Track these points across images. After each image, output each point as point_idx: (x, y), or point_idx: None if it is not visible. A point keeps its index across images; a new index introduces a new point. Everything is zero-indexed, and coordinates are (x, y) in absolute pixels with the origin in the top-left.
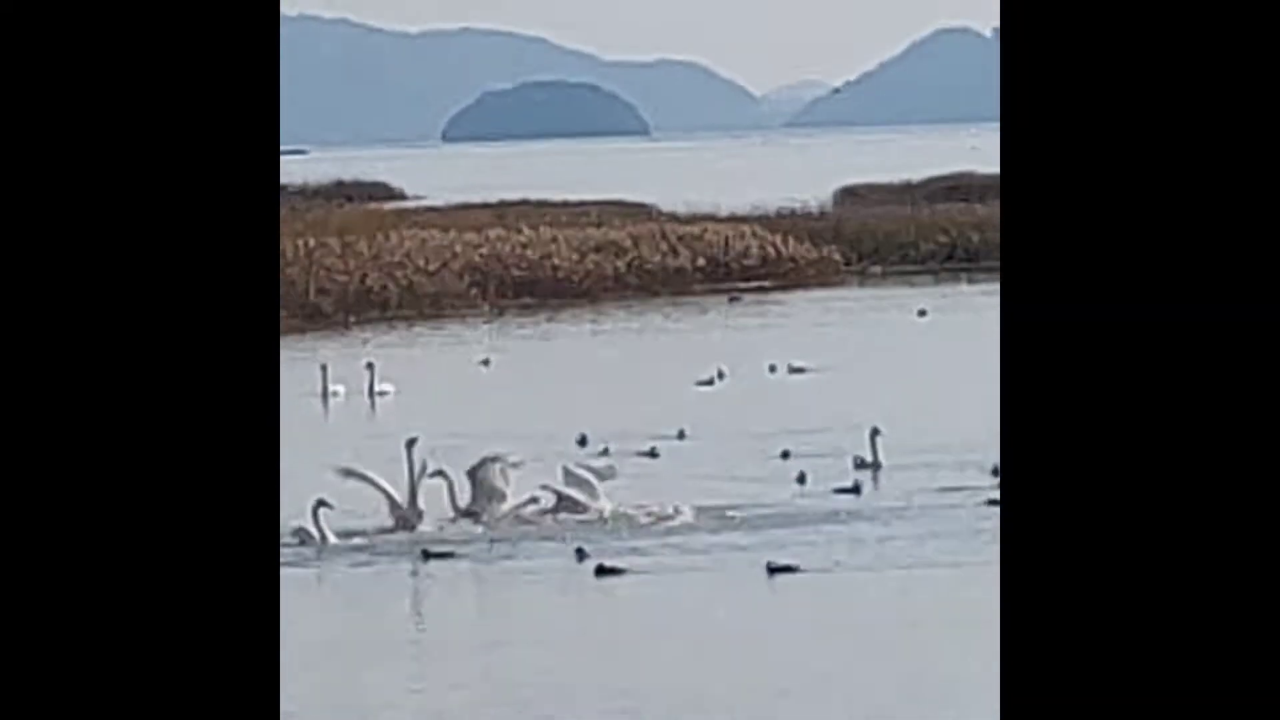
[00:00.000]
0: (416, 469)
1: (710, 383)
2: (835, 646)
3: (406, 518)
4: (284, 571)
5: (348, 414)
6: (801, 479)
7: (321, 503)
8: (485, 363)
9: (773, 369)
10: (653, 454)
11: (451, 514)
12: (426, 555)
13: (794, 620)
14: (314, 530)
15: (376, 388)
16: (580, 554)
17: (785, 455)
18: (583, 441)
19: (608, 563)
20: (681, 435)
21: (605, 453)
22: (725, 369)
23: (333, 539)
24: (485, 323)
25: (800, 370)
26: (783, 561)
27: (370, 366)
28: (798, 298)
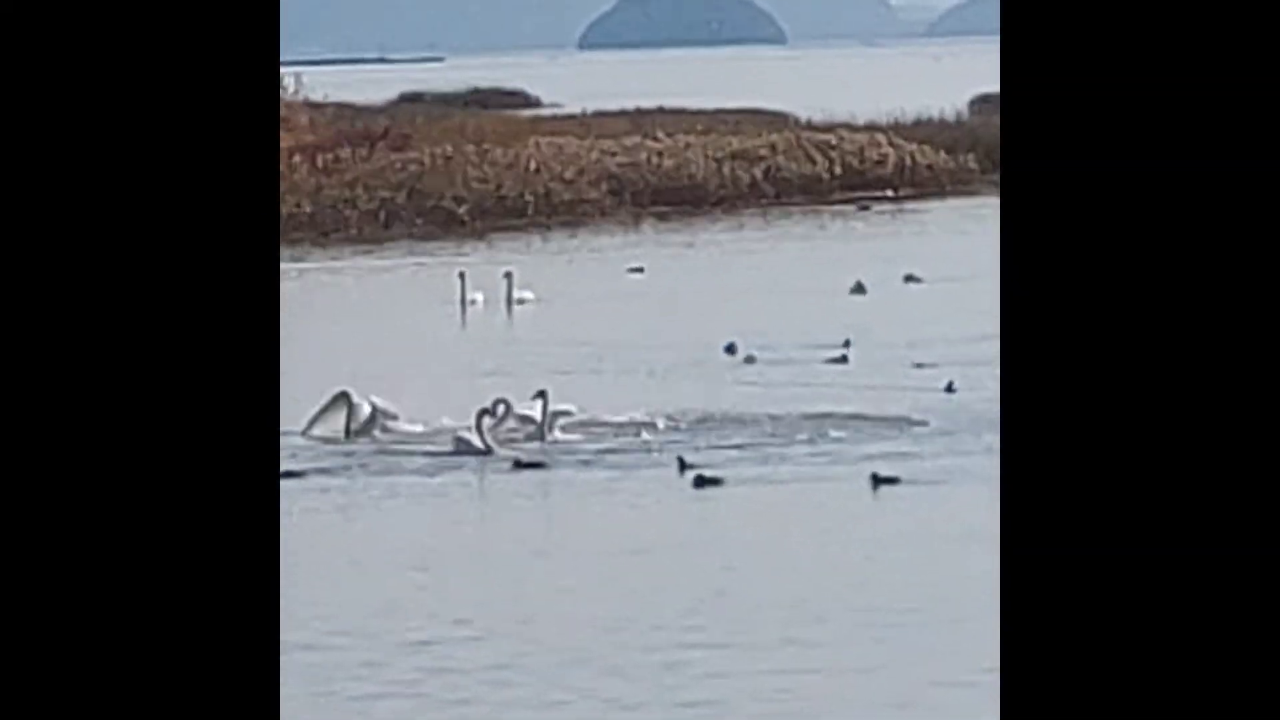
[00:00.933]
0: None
1: (860, 291)
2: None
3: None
4: (451, 477)
5: (485, 323)
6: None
7: (486, 412)
8: (639, 270)
9: (912, 278)
10: (843, 360)
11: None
12: (518, 465)
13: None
14: (478, 440)
15: (515, 296)
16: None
17: (918, 365)
18: (730, 349)
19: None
20: (847, 344)
21: (750, 360)
22: (865, 278)
23: (498, 450)
24: (625, 231)
25: (945, 280)
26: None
27: (509, 275)
28: (934, 205)
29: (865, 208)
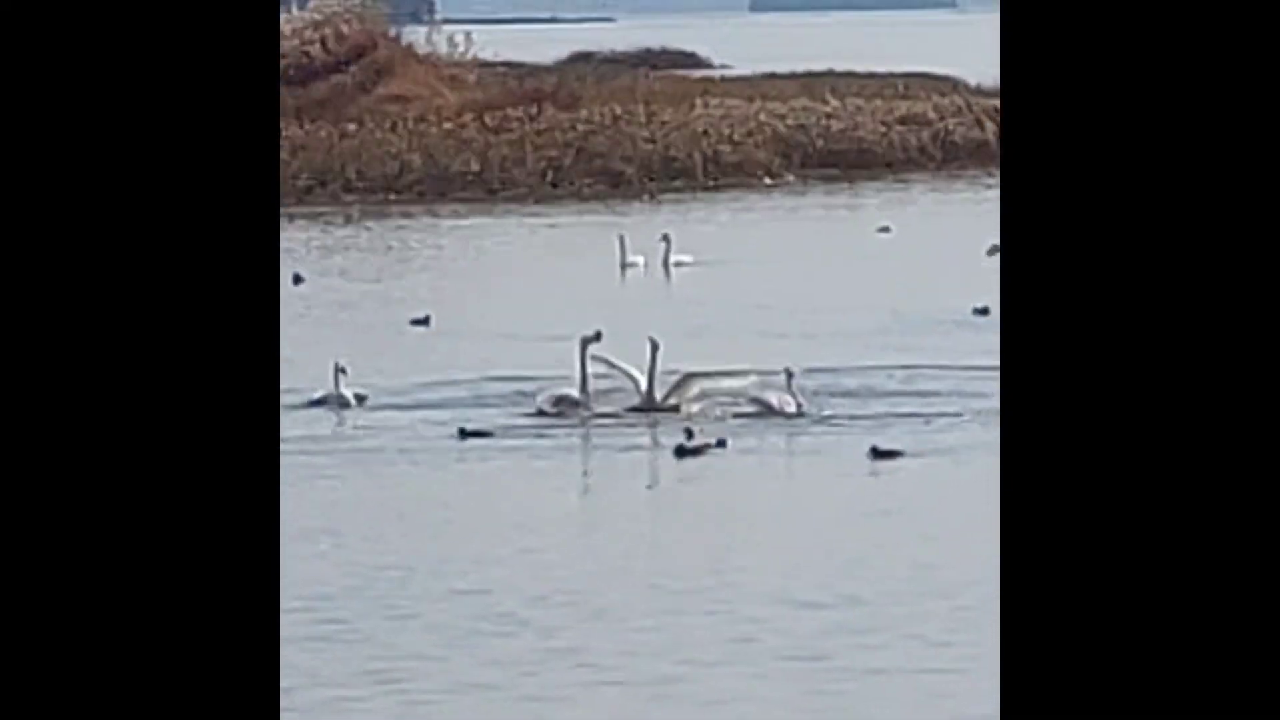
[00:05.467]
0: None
1: None
2: None
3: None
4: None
5: (644, 285)
6: None
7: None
8: (885, 230)
9: None
10: None
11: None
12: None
13: None
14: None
15: (673, 259)
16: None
17: None
18: (984, 313)
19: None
20: None
21: (985, 311)
22: None
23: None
24: (789, 191)
25: None
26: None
27: (666, 238)
28: None
29: None
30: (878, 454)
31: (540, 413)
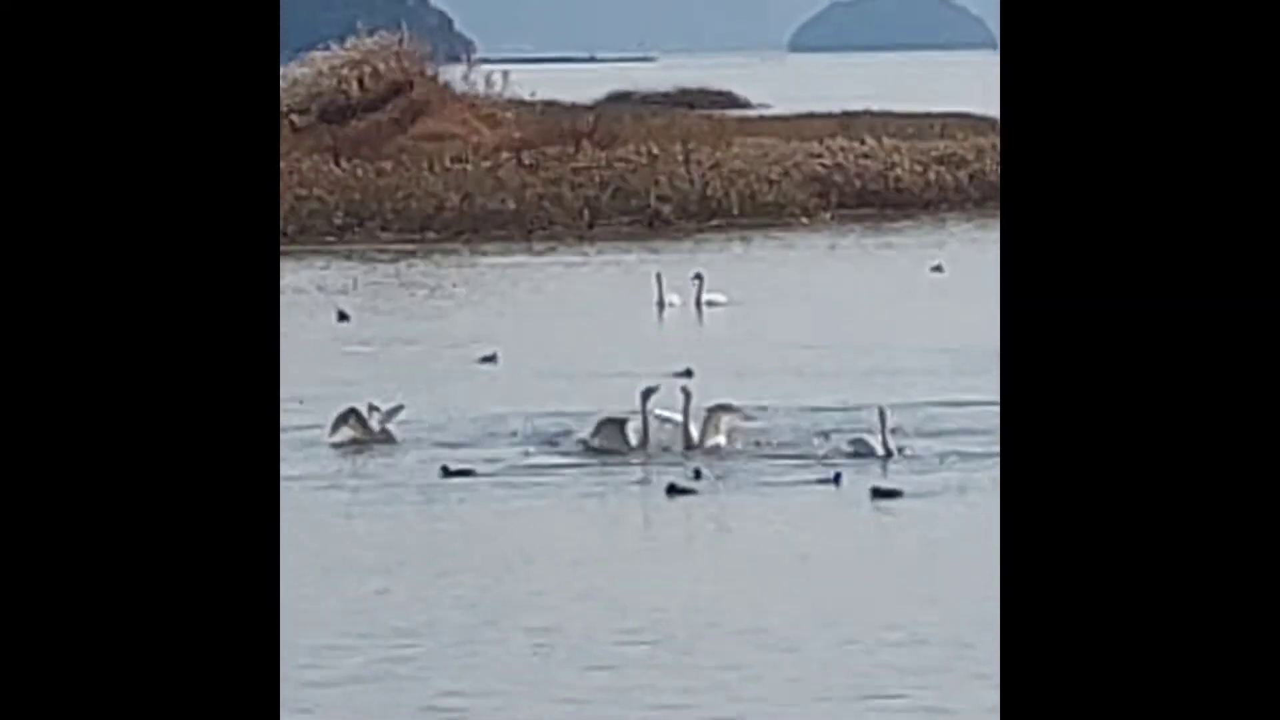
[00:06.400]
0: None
1: None
2: None
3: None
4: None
5: (679, 324)
6: None
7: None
8: (938, 269)
9: None
10: None
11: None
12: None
13: None
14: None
15: (705, 298)
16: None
17: None
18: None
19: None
20: None
21: None
22: None
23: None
24: (828, 233)
25: None
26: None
27: (699, 277)
28: None
29: None
30: (878, 494)
31: (587, 448)
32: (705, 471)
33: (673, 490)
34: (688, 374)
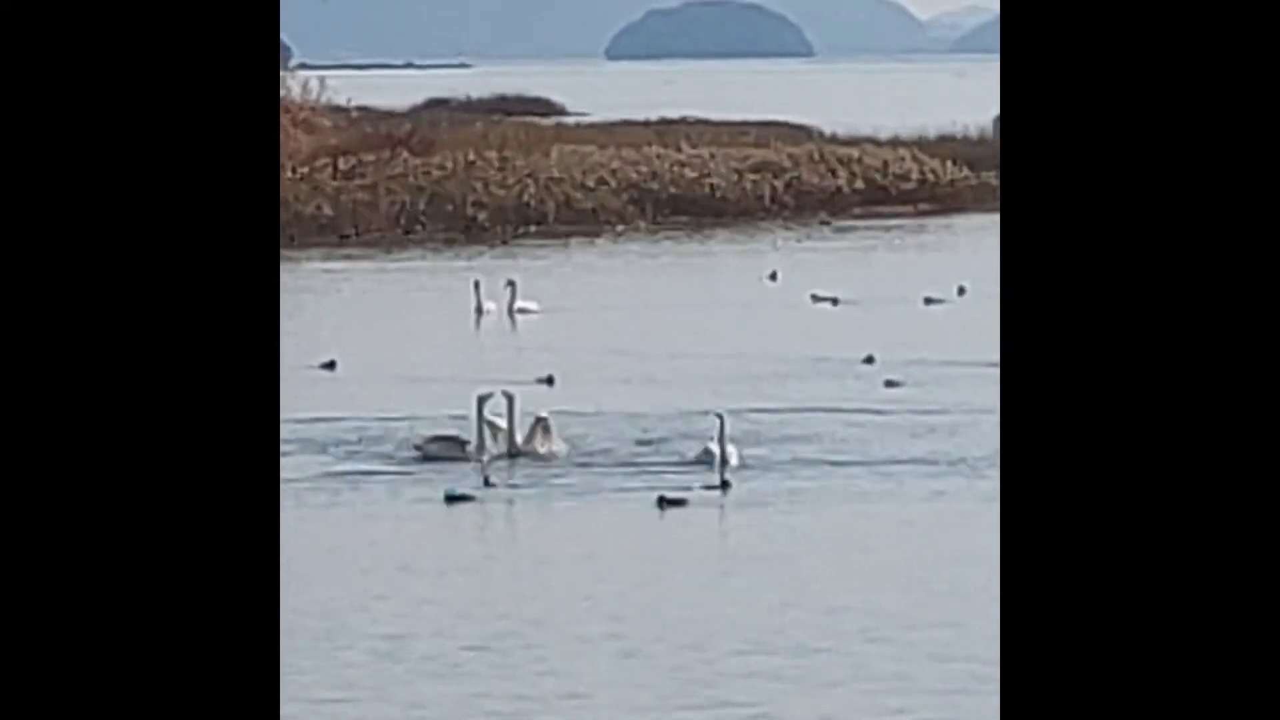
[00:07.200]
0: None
1: (936, 302)
2: None
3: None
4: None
5: (496, 331)
6: None
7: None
8: (774, 278)
9: (962, 290)
10: None
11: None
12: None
13: None
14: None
15: (517, 305)
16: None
17: None
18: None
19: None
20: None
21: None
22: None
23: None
24: (644, 240)
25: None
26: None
27: (511, 284)
28: (958, 222)
29: (825, 222)
30: (665, 502)
31: (422, 453)
32: (494, 480)
33: (451, 499)
34: (549, 381)
